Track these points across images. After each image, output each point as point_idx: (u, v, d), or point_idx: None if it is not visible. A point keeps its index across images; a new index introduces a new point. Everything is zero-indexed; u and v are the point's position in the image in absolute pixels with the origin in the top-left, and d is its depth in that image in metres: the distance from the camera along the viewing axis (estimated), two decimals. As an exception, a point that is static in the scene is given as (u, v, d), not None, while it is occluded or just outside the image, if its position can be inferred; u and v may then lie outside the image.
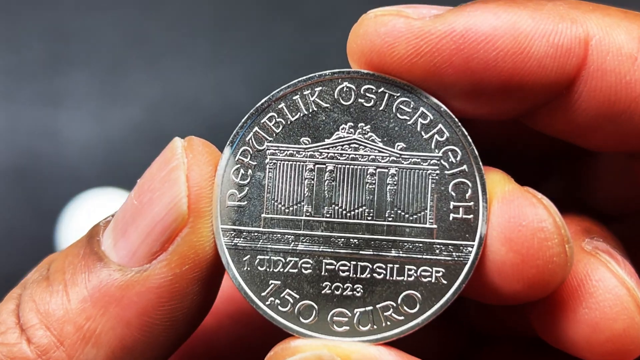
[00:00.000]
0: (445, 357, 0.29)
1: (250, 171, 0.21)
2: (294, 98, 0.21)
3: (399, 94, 0.21)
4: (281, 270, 0.20)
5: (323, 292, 0.20)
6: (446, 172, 0.21)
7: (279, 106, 0.21)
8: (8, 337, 0.20)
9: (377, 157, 0.21)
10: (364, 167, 0.21)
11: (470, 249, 0.20)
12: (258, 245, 0.20)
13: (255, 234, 0.20)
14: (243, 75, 0.64)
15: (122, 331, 0.19)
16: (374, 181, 0.21)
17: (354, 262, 0.20)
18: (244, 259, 0.20)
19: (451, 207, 0.20)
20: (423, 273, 0.20)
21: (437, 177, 0.21)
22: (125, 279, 0.19)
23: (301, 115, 0.21)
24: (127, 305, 0.19)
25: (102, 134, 0.63)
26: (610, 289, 0.21)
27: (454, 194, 0.20)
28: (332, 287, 0.20)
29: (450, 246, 0.20)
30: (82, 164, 0.62)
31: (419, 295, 0.20)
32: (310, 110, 0.21)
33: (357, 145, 0.21)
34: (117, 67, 0.64)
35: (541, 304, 0.21)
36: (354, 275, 0.20)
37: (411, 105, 0.21)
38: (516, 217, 0.20)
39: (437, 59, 0.20)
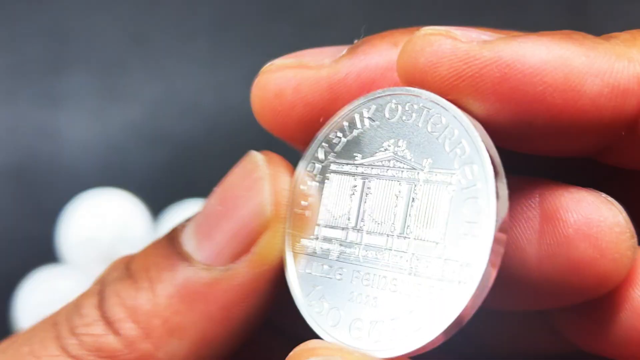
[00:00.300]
0: None
1: (315, 184, 0.22)
2: (354, 116, 0.22)
3: (432, 109, 0.21)
4: (323, 276, 0.22)
5: (349, 300, 0.21)
6: (463, 190, 0.20)
7: (343, 124, 0.22)
8: (94, 329, 0.21)
9: (407, 174, 0.21)
10: (396, 182, 0.22)
11: (479, 268, 0.20)
12: (311, 252, 0.22)
13: (311, 241, 0.22)
14: (243, 75, 0.64)
15: (205, 325, 0.21)
16: (402, 197, 0.21)
17: (376, 275, 0.21)
18: (301, 263, 0.22)
19: (463, 224, 0.20)
20: (432, 290, 0.20)
21: (454, 194, 0.21)
22: (212, 277, 0.21)
23: (357, 132, 0.22)
24: (212, 301, 0.21)
25: (102, 133, 0.63)
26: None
27: (466, 212, 0.20)
28: (356, 297, 0.21)
29: (460, 264, 0.20)
30: (82, 163, 0.62)
31: (428, 313, 0.20)
32: (364, 128, 0.22)
33: (394, 162, 0.22)
34: (117, 67, 0.64)
35: (581, 309, 0.22)
36: (375, 287, 0.21)
37: (442, 121, 0.21)
38: (594, 214, 0.21)
39: (479, 84, 0.20)
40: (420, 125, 0.21)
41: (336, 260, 0.22)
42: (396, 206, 0.21)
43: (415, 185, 0.21)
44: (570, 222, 0.21)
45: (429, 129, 0.21)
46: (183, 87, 0.64)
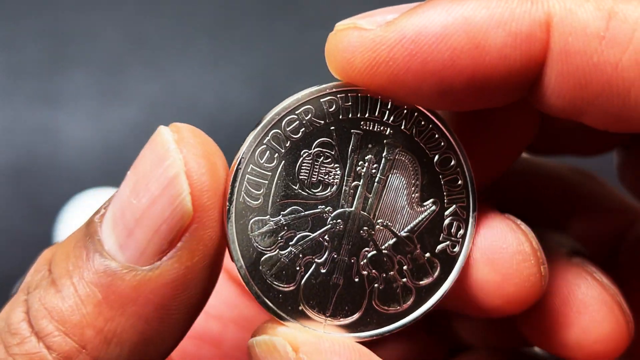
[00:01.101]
0: None
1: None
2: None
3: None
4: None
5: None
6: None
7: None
8: (26, 347, 0.19)
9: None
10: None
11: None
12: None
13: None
14: (243, 74, 0.64)
15: (143, 327, 0.19)
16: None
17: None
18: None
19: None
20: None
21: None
22: (138, 279, 0.19)
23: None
24: (144, 302, 0.19)
25: (100, 133, 0.62)
26: (597, 295, 0.24)
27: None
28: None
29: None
30: (81, 163, 0.62)
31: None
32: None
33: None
34: (116, 66, 0.64)
35: (535, 312, 0.24)
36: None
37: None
38: (498, 241, 0.22)
39: (393, 67, 0.20)
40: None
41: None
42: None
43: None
44: (478, 246, 0.22)
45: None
46: (182, 86, 0.64)
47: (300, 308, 0.21)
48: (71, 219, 0.58)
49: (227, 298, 0.29)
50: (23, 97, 0.63)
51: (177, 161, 0.19)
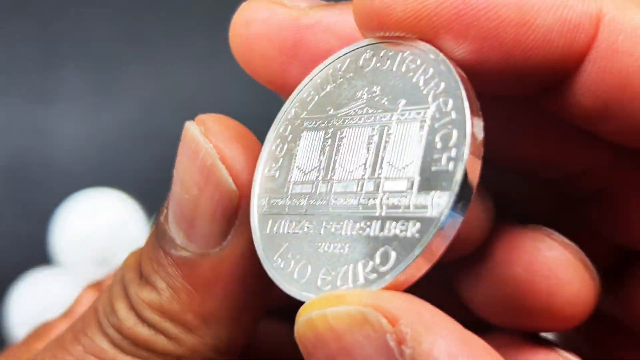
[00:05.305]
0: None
1: (286, 144, 0.22)
2: (327, 72, 0.22)
3: (407, 52, 0.21)
4: (291, 232, 0.21)
5: (317, 251, 0.21)
6: (436, 123, 0.19)
7: (316, 81, 0.22)
8: (139, 332, 0.22)
9: (381, 117, 0.21)
10: (369, 127, 0.21)
11: (445, 198, 0.19)
12: (280, 211, 0.22)
13: (281, 200, 0.22)
14: (241, 72, 0.63)
15: (231, 303, 0.22)
16: (373, 141, 0.21)
17: (346, 221, 0.21)
18: (269, 223, 0.22)
19: (435, 157, 0.19)
20: (401, 227, 0.19)
21: (427, 129, 0.20)
22: (213, 260, 0.21)
23: (330, 87, 0.22)
24: (224, 280, 0.21)
25: (96, 132, 0.62)
26: (560, 255, 0.23)
27: (439, 143, 0.19)
28: (324, 247, 0.21)
29: (428, 198, 0.19)
30: (76, 163, 0.61)
31: (393, 251, 0.19)
32: (338, 82, 0.22)
33: (367, 108, 0.21)
34: (112, 64, 0.64)
35: (494, 285, 0.23)
36: (345, 233, 0.21)
37: (417, 62, 0.20)
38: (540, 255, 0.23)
39: (435, 23, 0.20)
40: (394, 69, 0.21)
41: (304, 215, 0.21)
42: (368, 151, 0.21)
43: (388, 127, 0.20)
44: (519, 261, 0.22)
45: (403, 71, 0.20)
46: (179, 84, 0.64)
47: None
48: (66, 219, 0.57)
49: None
50: (15, 95, 0.63)
51: (209, 151, 0.21)
